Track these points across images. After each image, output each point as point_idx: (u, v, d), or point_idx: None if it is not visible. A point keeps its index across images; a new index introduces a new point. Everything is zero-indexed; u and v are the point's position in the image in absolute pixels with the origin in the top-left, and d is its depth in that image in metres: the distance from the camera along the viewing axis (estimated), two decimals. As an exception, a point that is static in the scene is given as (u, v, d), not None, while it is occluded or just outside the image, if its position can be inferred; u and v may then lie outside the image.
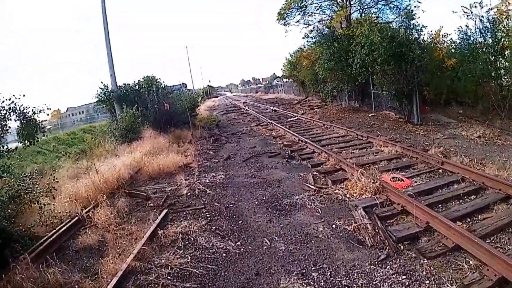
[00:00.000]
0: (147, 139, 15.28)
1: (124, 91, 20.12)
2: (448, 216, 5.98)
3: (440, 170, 8.79)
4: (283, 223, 6.54)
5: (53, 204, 7.41)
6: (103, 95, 20.34)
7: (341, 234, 5.99)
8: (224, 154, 13.19)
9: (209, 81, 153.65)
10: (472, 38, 16.78)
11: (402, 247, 5.39)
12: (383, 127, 15.50)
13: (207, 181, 9.64)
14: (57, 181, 7.96)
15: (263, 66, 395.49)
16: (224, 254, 5.61)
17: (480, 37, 16.25)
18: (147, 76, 21.59)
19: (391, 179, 8.29)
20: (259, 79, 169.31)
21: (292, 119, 21.54)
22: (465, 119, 16.14)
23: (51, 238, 6.63)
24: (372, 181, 7.68)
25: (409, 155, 10.21)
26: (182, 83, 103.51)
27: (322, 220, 6.55)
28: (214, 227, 6.61)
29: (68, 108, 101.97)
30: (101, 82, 20.17)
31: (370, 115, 18.59)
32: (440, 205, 6.73)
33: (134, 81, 21.19)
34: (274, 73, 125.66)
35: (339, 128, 15.50)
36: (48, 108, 8.31)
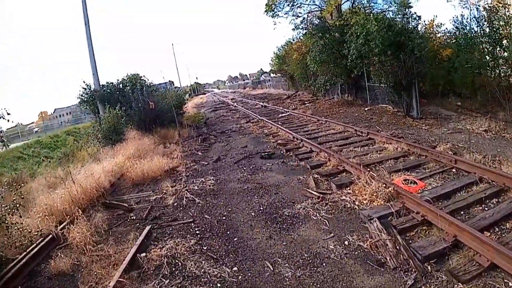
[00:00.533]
0: (131, 141, 14.25)
1: (108, 91, 19.09)
2: (475, 226, 5.20)
3: (454, 170, 7.98)
4: (286, 240, 5.64)
5: (21, 223, 6.40)
6: (85, 95, 19.26)
7: (356, 253, 5.12)
8: (213, 155, 12.27)
9: (196, 78, 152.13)
10: (468, 28, 16.14)
11: (429, 268, 4.58)
12: (381, 121, 14.69)
13: (196, 187, 8.67)
14: (22, 198, 6.90)
15: (249, 62, 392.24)
16: (218, 284, 4.68)
17: (477, 26, 15.62)
18: (131, 74, 20.47)
19: (403, 182, 7.45)
20: (246, 75, 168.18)
21: (283, 115, 20.64)
22: (465, 112, 15.43)
23: (22, 262, 5.72)
24: (384, 185, 6.83)
25: (416, 153, 9.39)
26: (169, 81, 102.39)
27: (332, 235, 5.67)
28: (205, 247, 5.66)
29: (55, 109, 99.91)
30: (83, 82, 19.06)
31: (366, 109, 17.78)
32: (462, 212, 5.92)
33: (118, 80, 20.10)
34: (261, 69, 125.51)
35: (335, 124, 14.66)
36: (8, 114, 7.15)
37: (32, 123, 75.36)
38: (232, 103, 35.59)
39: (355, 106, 19.56)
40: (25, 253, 6.01)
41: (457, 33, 17.19)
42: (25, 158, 20.50)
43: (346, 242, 5.40)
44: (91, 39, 18.61)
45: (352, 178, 7.91)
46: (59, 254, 5.99)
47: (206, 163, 11.18)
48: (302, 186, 8.01)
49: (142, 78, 20.33)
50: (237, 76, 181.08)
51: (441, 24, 17.96)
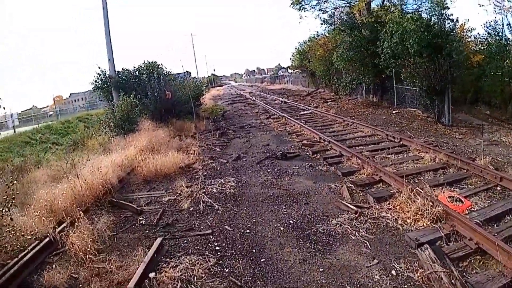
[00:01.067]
0: (144, 132, 13.39)
1: (123, 77, 18.29)
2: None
3: (499, 188, 6.96)
4: (323, 265, 4.68)
5: (12, 226, 5.54)
6: (100, 81, 18.48)
7: (406, 287, 4.16)
8: (233, 152, 11.37)
9: (214, 70, 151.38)
10: (500, 34, 15.08)
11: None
12: (412, 127, 13.60)
13: (214, 190, 7.74)
14: (14, 198, 6.01)
15: (268, 57, 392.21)
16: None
17: (510, 33, 14.62)
18: (148, 62, 19.59)
19: (448, 199, 6.45)
20: (263, 69, 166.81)
21: (305, 112, 19.63)
22: (496, 122, 14.43)
23: (13, 270, 4.91)
24: (431, 203, 5.83)
25: (456, 166, 8.33)
26: (187, 71, 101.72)
27: (375, 261, 4.70)
28: (227, 270, 4.70)
29: (71, 94, 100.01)
30: (99, 67, 18.28)
31: (394, 112, 16.68)
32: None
33: (134, 67, 19.24)
34: (279, 64, 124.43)
35: (363, 126, 13.63)
36: None
37: (47, 106, 75.28)
38: (250, 97, 34.69)
39: (381, 108, 18.45)
40: (17, 258, 5.18)
41: (489, 39, 16.12)
42: (33, 143, 19.81)
43: (393, 272, 4.46)
44: (108, 24, 17.83)
45: (391, 191, 6.97)
46: (55, 263, 5.15)
47: (225, 161, 10.25)
48: (335, 196, 7.05)
49: (159, 66, 19.42)
50: (254, 70, 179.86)
51: (472, 28, 16.73)
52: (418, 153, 9.71)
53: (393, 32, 14.54)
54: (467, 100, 16.94)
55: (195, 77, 69.64)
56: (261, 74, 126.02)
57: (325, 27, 23.95)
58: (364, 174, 8.14)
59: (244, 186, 7.96)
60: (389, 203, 6.50)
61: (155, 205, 7.29)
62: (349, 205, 6.46)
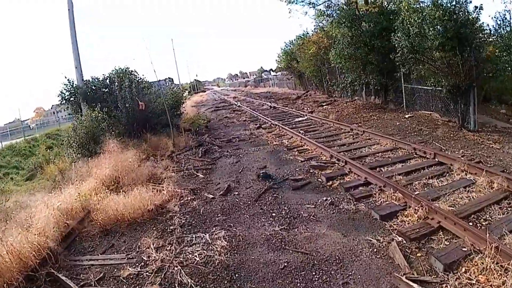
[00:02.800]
0: (109, 154, 10.68)
1: (93, 87, 15.55)
2: None
3: None
4: None
5: None
6: (67, 93, 15.66)
7: None
8: (220, 179, 8.83)
9: (196, 76, 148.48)
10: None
11: None
12: (436, 135, 11.19)
13: (196, 257, 5.03)
14: None
15: (250, 60, 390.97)
16: None
17: None
18: (119, 68, 16.75)
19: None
20: (246, 73, 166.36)
21: (301, 119, 17.15)
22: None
23: None
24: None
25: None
26: (169, 78, 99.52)
27: None
28: None
29: (52, 105, 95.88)
30: (65, 77, 15.49)
31: (406, 117, 14.29)
32: None
33: (104, 75, 16.44)
34: (261, 67, 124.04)
35: (377, 136, 11.19)
36: None
37: (28, 119, 72.10)
38: (235, 102, 32.15)
39: (389, 112, 16.02)
40: None
41: (500, 30, 14.00)
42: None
43: None
44: (74, 28, 15.25)
45: (464, 248, 4.56)
46: None
47: (211, 196, 7.61)
48: (383, 263, 4.53)
49: (132, 73, 16.62)
50: (237, 74, 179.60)
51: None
52: (465, 175, 7.31)
53: (412, 21, 12.01)
54: (480, 98, 14.77)
55: (176, 84, 67.14)
56: (244, 78, 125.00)
57: (321, 19, 21.43)
58: (413, 217, 5.64)
59: (242, 247, 5.28)
60: (466, 271, 4.09)
61: (109, 285, 4.69)
62: (410, 282, 3.98)
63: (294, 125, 15.56)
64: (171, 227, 6.19)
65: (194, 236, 5.73)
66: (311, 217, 6.04)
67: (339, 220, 5.87)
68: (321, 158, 9.61)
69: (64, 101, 15.92)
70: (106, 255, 5.70)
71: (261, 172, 8.65)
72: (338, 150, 10.03)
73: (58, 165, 12.54)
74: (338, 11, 17.27)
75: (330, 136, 12.51)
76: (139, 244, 5.75)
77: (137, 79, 15.87)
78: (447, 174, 7.54)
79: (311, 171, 8.61)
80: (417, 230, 5.22)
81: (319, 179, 7.99)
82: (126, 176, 9.06)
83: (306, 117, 17.39)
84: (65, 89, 15.50)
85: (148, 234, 5.98)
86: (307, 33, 28.09)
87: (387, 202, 6.30)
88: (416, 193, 6.44)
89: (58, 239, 5.90)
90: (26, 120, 67.68)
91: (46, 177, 11.48)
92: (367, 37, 16.05)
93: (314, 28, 26.53)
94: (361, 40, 16.32)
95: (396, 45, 12.76)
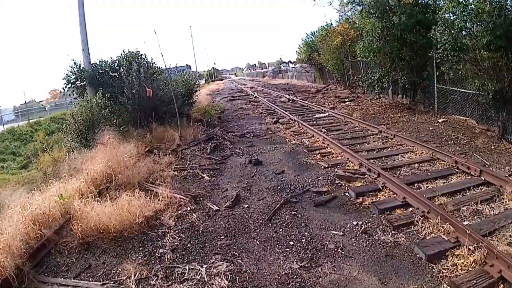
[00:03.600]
0: (106, 146, 9.43)
1: (100, 71, 14.35)
2: None
3: None
4: None
5: None
6: (73, 76, 14.48)
7: None
8: (228, 184, 7.57)
9: (214, 64, 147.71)
10: None
11: None
12: (475, 145, 9.70)
13: None
14: None
15: (269, 51, 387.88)
16: None
17: None
18: (129, 52, 15.44)
19: None
20: (264, 63, 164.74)
21: (322, 115, 15.75)
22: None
23: None
24: None
25: None
26: (187, 65, 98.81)
27: None
28: None
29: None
30: (72, 60, 14.34)
31: (440, 121, 12.77)
32: None
33: (111, 58, 15.17)
34: (280, 58, 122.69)
35: (410, 142, 9.76)
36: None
37: (43, 100, 72.26)
38: (252, 93, 30.87)
39: (418, 114, 14.48)
40: None
41: None
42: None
43: None
44: (83, 7, 13.99)
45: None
46: None
47: (215, 208, 6.32)
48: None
49: (141, 56, 15.32)
50: (255, 64, 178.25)
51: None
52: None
53: (458, 14, 10.44)
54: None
55: (193, 71, 66.17)
56: (262, 68, 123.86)
57: (349, 9, 19.85)
58: (468, 259, 4.30)
59: (248, 289, 4.04)
60: None
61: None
62: None
63: (314, 122, 14.21)
64: (161, 250, 4.92)
65: (187, 267, 4.44)
66: (339, 250, 4.71)
67: (375, 257, 4.55)
68: (348, 166, 8.24)
69: (69, 85, 14.77)
70: (79, 280, 4.53)
71: (276, 175, 7.35)
72: (367, 157, 8.66)
73: (52, 155, 11.41)
74: (368, 0, 15.64)
75: (356, 138, 11.11)
76: (119, 270, 4.53)
77: (145, 63, 14.57)
78: (498, 199, 6.10)
79: (337, 181, 7.26)
80: (474, 282, 3.89)
81: (347, 193, 6.66)
82: (121, 174, 7.88)
83: (327, 114, 15.99)
84: (71, 72, 14.36)
85: (131, 257, 4.76)
86: (331, 24, 26.48)
87: (434, 235, 4.94)
88: (465, 222, 5.12)
89: (27, 254, 4.77)
90: (41, 101, 67.55)
91: (39, 167, 10.34)
92: (398, 30, 14.48)
93: (339, 19, 24.97)
94: (392, 33, 14.76)
95: (437, 40, 11.21)
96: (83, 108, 11.09)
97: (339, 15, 24.96)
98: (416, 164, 8.20)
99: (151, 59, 15.20)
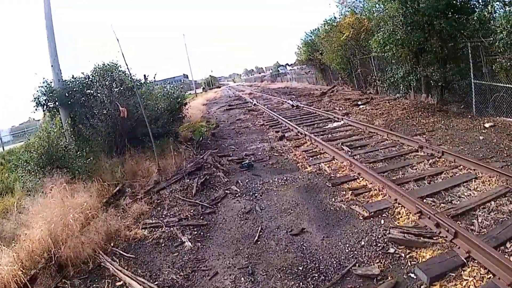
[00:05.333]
0: (57, 195, 6.68)
1: (75, 89, 11.59)
2: None
3: None
4: None
5: None
6: (42, 96, 11.66)
7: None
8: (218, 261, 4.92)
9: (211, 71, 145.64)
10: None
11: None
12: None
13: None
14: None
15: (265, 56, 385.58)
16: None
17: None
18: (103, 64, 12.53)
19: None
20: (262, 68, 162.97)
21: (335, 125, 13.01)
22: None
23: None
24: None
25: None
26: (184, 74, 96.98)
27: None
28: None
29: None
30: (43, 78, 11.57)
31: (487, 126, 10.03)
32: None
33: (83, 74, 12.31)
34: (277, 62, 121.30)
35: (467, 162, 7.05)
36: None
37: (40, 119, 69.88)
38: (251, 100, 28.24)
39: (454, 117, 11.67)
40: None
41: None
42: None
43: None
44: (51, 18, 11.39)
45: None
46: None
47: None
48: None
49: (117, 68, 12.40)
50: (253, 69, 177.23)
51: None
52: None
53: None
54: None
55: (181, 80, 63.96)
56: (260, 73, 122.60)
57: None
58: None
59: None
60: None
61: None
62: None
63: (330, 135, 11.52)
64: None
65: None
66: None
67: None
68: (400, 214, 5.47)
69: (40, 107, 11.97)
70: None
71: (292, 238, 4.63)
72: (421, 193, 5.94)
73: (2, 201, 8.89)
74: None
75: (392, 158, 8.32)
76: None
77: (121, 76, 11.83)
78: None
79: (390, 250, 4.53)
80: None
81: (412, 275, 3.98)
82: (68, 242, 5.27)
83: (342, 122, 13.27)
84: (41, 92, 11.58)
85: None
86: (335, 18, 23.78)
87: None
88: None
89: None
90: (39, 120, 64.94)
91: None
92: (425, 15, 11.75)
93: (342, 12, 22.30)
94: (416, 20, 12.03)
95: (498, 24, 8.52)
96: (39, 138, 8.51)
97: (340, 9, 22.29)
98: (493, 203, 5.45)
99: (128, 71, 12.50)
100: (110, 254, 5.44)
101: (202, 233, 5.73)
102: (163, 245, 5.52)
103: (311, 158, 9.11)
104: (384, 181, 6.39)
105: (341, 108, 16.95)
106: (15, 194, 9.23)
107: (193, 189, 7.58)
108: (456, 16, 11.65)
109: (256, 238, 5.27)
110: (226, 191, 7.43)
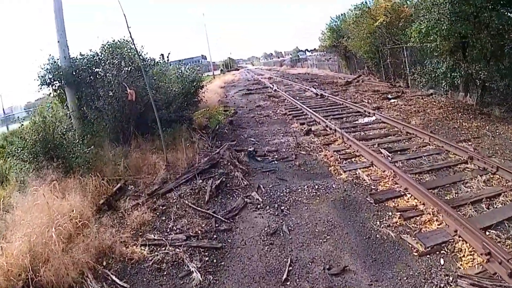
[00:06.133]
0: (43, 196, 5.58)
1: (82, 67, 10.43)
2: None
3: None
4: None
5: None
6: (48, 75, 10.52)
7: None
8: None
9: (230, 54, 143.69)
10: None
11: None
12: None
13: None
14: None
15: (285, 40, 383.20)
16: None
17: None
18: (113, 41, 11.26)
19: None
20: (281, 52, 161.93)
21: (367, 120, 11.73)
22: None
23: None
24: None
25: None
26: (202, 55, 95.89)
27: None
28: None
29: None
30: (49, 55, 10.43)
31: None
32: None
33: (91, 50, 11.10)
34: (297, 47, 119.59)
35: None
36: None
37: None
38: (270, 85, 27.13)
39: (498, 121, 10.26)
40: None
41: None
42: None
43: None
44: None
45: None
46: None
47: None
48: None
49: (127, 46, 11.14)
50: (272, 53, 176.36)
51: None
52: None
53: None
54: None
55: (199, 61, 62.79)
56: (279, 58, 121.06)
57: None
58: None
59: None
60: None
61: None
62: None
63: (362, 132, 10.32)
64: None
65: None
66: None
67: None
68: (463, 252, 4.25)
69: (45, 86, 10.84)
70: None
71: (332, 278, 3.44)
72: (484, 223, 4.71)
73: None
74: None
75: (440, 170, 6.96)
76: None
77: (130, 54, 10.57)
78: None
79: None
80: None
81: None
82: (49, 262, 4.26)
83: (374, 117, 11.94)
84: (47, 70, 10.44)
85: None
86: (366, 2, 22.24)
87: None
88: None
89: None
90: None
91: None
92: (475, 6, 10.29)
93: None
94: (464, 10, 10.56)
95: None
96: (33, 124, 7.40)
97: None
98: None
99: (142, 48, 11.34)
100: (101, 278, 4.35)
101: (215, 260, 4.56)
102: (165, 273, 4.39)
103: (344, 161, 7.86)
104: (440, 203, 5.10)
105: (370, 101, 15.55)
106: (8, 186, 8.19)
107: (206, 195, 6.40)
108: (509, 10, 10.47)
109: (284, 276, 4.08)
110: (245, 199, 6.24)
